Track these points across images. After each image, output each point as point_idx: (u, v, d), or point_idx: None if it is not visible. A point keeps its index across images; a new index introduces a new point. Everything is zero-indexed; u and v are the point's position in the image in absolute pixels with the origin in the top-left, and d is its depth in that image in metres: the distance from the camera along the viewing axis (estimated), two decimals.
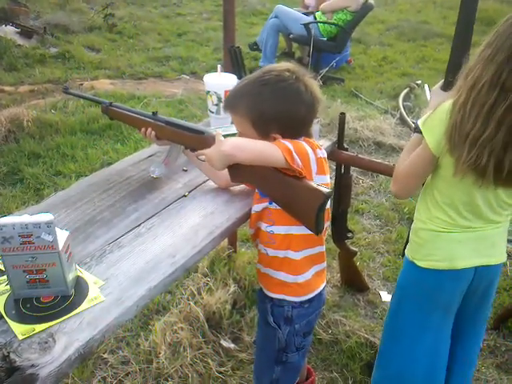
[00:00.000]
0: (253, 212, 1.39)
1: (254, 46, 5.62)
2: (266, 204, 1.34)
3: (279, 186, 1.24)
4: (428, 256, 1.37)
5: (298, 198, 1.22)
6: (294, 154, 1.20)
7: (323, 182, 1.29)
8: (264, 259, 1.41)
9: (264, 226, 1.36)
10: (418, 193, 1.46)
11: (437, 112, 1.23)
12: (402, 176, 1.36)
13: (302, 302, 1.40)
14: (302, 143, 1.26)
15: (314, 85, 1.29)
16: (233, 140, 1.29)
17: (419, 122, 1.29)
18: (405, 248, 1.51)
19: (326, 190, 1.18)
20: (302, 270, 1.38)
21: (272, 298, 1.42)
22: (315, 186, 1.20)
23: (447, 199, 1.31)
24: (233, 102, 1.33)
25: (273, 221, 1.34)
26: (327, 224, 1.43)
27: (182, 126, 1.47)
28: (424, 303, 1.42)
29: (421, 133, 1.29)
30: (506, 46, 1.08)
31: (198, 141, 1.42)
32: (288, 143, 1.22)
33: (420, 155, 1.29)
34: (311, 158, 1.25)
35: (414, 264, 1.40)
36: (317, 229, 1.22)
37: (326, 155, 1.34)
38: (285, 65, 1.30)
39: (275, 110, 1.25)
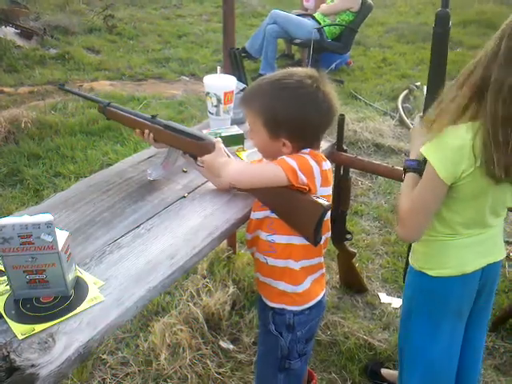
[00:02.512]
0: (253, 218, 1.39)
1: (243, 53, 5.22)
2: (267, 212, 1.33)
3: (278, 198, 1.25)
4: (439, 265, 1.36)
5: (296, 210, 1.24)
6: (299, 172, 1.21)
7: (327, 193, 1.30)
8: (263, 268, 1.40)
9: (264, 235, 1.36)
10: None
11: (447, 145, 1.18)
12: (412, 217, 1.28)
13: (302, 310, 1.39)
14: (307, 158, 1.26)
15: (333, 95, 1.28)
16: (237, 166, 1.29)
17: (424, 151, 1.22)
18: (406, 270, 1.52)
19: (324, 202, 1.20)
20: (301, 280, 1.37)
21: (272, 307, 1.41)
22: (314, 198, 1.21)
23: (459, 218, 1.30)
24: (249, 98, 1.33)
25: (274, 230, 1.33)
26: (328, 235, 1.43)
27: (182, 130, 1.46)
28: (435, 312, 1.41)
29: (414, 171, 1.31)
30: None
31: (197, 147, 1.43)
32: (292, 161, 1.22)
33: (431, 190, 1.23)
34: (315, 172, 1.25)
35: (425, 274, 1.38)
36: (315, 240, 1.24)
37: (330, 166, 1.34)
38: (308, 71, 1.29)
39: (289, 115, 1.24)
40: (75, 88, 4.60)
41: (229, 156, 1.40)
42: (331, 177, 1.34)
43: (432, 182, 1.22)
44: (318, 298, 1.42)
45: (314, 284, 1.40)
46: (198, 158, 1.44)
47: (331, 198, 1.36)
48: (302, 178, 1.21)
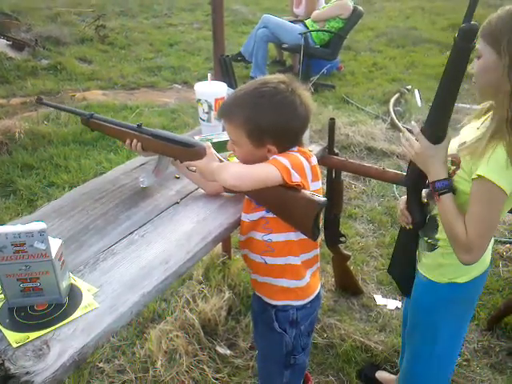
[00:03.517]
0: (246, 220, 1.39)
1: (239, 57, 5.54)
2: (262, 213, 1.34)
3: (274, 197, 1.27)
4: (469, 269, 1.34)
5: (294, 207, 1.25)
6: (292, 170, 1.23)
7: (317, 187, 1.34)
8: (261, 269, 1.41)
9: (260, 236, 1.36)
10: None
11: (504, 162, 1.17)
12: (482, 240, 1.24)
13: (305, 304, 1.42)
14: (297, 156, 1.28)
15: (308, 97, 1.31)
16: (233, 170, 1.27)
17: (487, 174, 1.18)
18: (405, 286, 1.52)
19: (321, 199, 1.23)
20: (302, 274, 1.39)
21: (275, 305, 1.42)
22: (310, 196, 1.23)
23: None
24: (228, 111, 1.33)
25: (270, 229, 1.34)
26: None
27: (171, 139, 1.46)
28: (463, 314, 1.43)
29: (449, 191, 1.26)
30: None
31: (188, 154, 1.43)
32: (285, 160, 1.24)
33: (497, 208, 1.21)
34: (306, 168, 1.29)
35: (455, 284, 1.37)
36: (314, 236, 1.27)
37: (316, 162, 1.37)
38: (279, 77, 1.31)
39: (271, 122, 1.26)
40: (67, 98, 4.62)
41: (220, 160, 1.41)
42: (319, 171, 1.38)
43: (497, 200, 1.20)
44: (317, 290, 1.46)
45: (312, 277, 1.43)
46: (189, 163, 1.44)
47: (321, 191, 1.39)
48: (296, 175, 1.23)
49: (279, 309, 1.41)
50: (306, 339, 1.46)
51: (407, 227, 1.46)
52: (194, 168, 1.42)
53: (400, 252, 1.58)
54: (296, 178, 1.23)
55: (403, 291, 1.59)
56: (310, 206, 1.23)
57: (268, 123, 1.26)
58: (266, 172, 1.23)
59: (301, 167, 1.27)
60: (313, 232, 1.26)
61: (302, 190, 1.25)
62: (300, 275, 1.39)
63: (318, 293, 1.48)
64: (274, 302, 1.42)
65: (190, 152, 1.43)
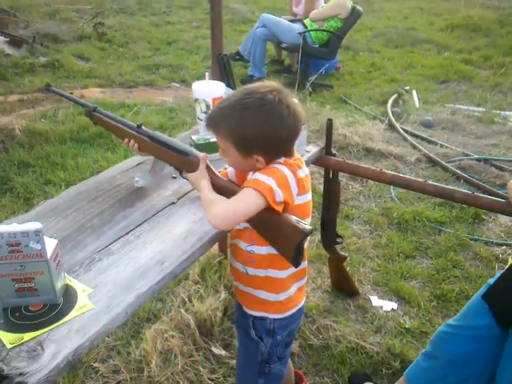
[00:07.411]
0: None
1: (237, 56, 5.56)
2: (246, 224, 1.30)
3: (258, 216, 1.22)
4: None
5: (276, 231, 1.22)
6: (276, 190, 1.18)
7: (305, 200, 1.30)
8: (243, 278, 1.39)
9: (243, 245, 1.35)
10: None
11: None
12: None
13: (283, 317, 1.40)
14: (282, 170, 1.23)
15: (297, 106, 1.26)
16: (217, 212, 1.22)
17: None
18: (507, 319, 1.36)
19: (306, 227, 1.18)
20: (285, 287, 1.37)
21: (252, 314, 1.41)
22: (295, 222, 1.19)
23: None
24: (214, 122, 1.29)
25: (253, 241, 1.32)
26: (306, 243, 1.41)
27: (166, 143, 1.44)
28: None
29: None
30: None
31: (182, 162, 1.41)
32: (268, 179, 1.19)
33: None
34: (291, 184, 1.23)
35: None
36: (296, 263, 1.23)
37: (307, 172, 1.33)
38: (269, 85, 1.25)
39: (257, 133, 1.21)
40: None
41: (213, 172, 1.37)
42: (308, 183, 1.32)
43: None
44: (300, 305, 1.43)
45: (297, 292, 1.41)
46: (183, 173, 1.43)
47: (311, 203, 1.35)
48: (279, 194, 1.19)
49: (257, 317, 1.40)
50: (282, 349, 1.44)
51: None
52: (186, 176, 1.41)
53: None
54: (279, 198, 1.19)
55: (503, 325, 1.38)
56: (293, 234, 1.18)
57: (253, 134, 1.21)
58: (250, 205, 1.19)
59: (285, 183, 1.22)
60: (295, 260, 1.21)
61: (287, 215, 1.20)
62: (280, 289, 1.36)
63: (301, 306, 1.45)
64: (251, 313, 1.41)
65: (183, 160, 1.40)
